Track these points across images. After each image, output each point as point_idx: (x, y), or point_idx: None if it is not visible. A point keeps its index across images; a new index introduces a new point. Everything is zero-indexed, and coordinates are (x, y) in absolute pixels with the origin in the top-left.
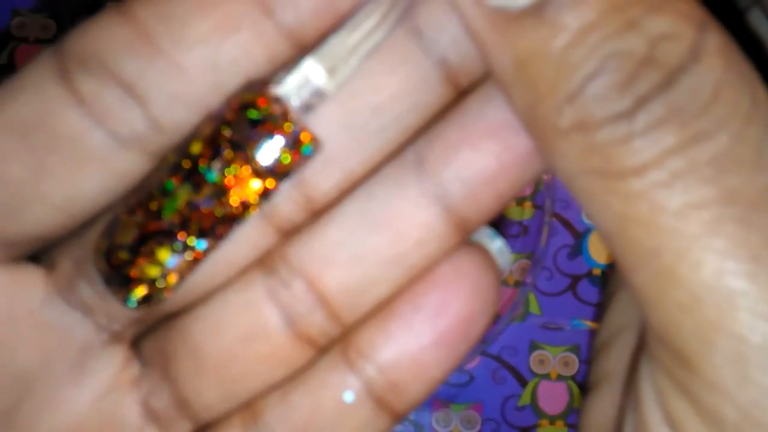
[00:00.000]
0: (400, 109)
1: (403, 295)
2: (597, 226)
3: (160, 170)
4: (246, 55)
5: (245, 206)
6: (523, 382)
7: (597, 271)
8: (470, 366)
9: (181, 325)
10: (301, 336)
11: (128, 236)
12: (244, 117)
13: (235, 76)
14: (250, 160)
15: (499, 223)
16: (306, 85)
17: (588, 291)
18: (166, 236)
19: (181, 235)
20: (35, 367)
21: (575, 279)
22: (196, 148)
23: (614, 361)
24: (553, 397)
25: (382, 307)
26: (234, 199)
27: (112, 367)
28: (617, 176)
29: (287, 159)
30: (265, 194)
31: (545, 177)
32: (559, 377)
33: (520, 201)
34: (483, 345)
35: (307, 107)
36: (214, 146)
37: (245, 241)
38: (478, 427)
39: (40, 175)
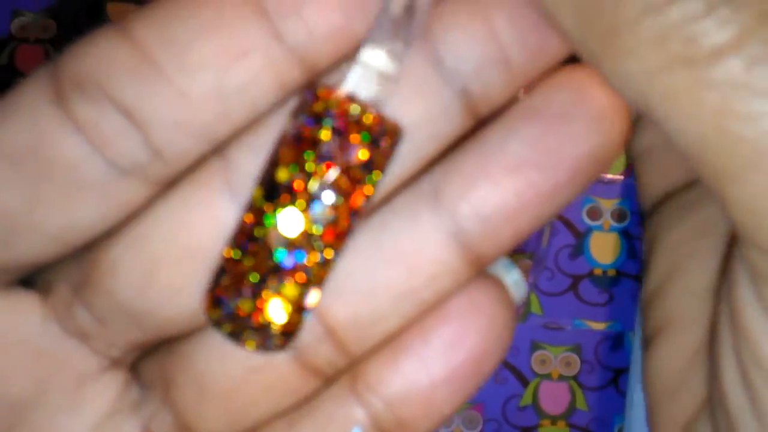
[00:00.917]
0: (418, 138)
1: (414, 329)
2: (685, 139)
3: (251, 211)
4: (254, 82)
5: (355, 216)
6: (525, 383)
7: (598, 271)
8: None
9: (184, 350)
10: (307, 366)
11: (245, 284)
12: (323, 126)
13: (242, 103)
14: (345, 169)
15: None
16: (370, 73)
17: (589, 291)
18: (283, 272)
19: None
20: (30, 396)
21: (576, 279)
22: (282, 174)
23: (675, 305)
24: (554, 397)
25: (392, 340)
26: (344, 214)
27: (111, 393)
28: (708, 59)
29: (377, 155)
30: (369, 198)
31: None
32: (561, 377)
33: None
34: None
35: (379, 98)
36: (303, 167)
37: None
38: (480, 427)
39: (34, 205)
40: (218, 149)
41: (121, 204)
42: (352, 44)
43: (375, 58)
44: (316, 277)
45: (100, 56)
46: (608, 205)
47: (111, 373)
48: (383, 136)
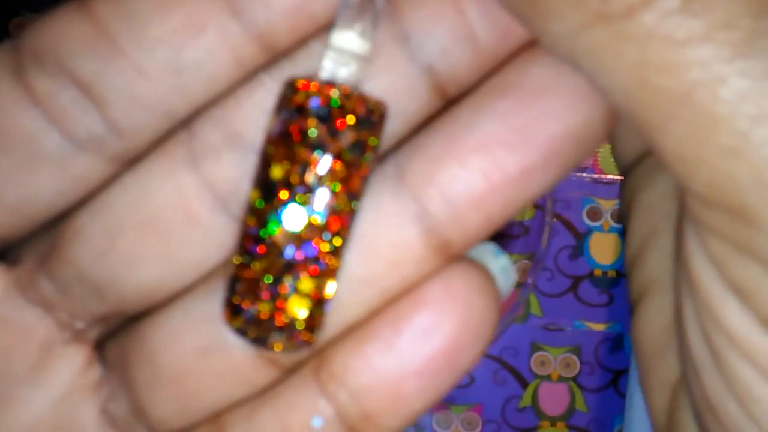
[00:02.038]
0: None
1: (384, 316)
2: (611, 94)
3: (252, 214)
4: (210, 57)
5: (355, 199)
6: (524, 384)
7: (598, 272)
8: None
9: (141, 329)
10: (262, 355)
11: (261, 288)
12: (313, 116)
13: (199, 78)
14: (338, 154)
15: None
16: (344, 55)
17: (589, 292)
18: (296, 267)
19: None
20: None
21: (576, 280)
22: (277, 172)
23: (654, 267)
24: (554, 399)
25: (358, 328)
26: (344, 200)
27: (73, 367)
28: (623, 15)
29: (366, 134)
30: (366, 179)
31: None
32: (560, 378)
33: None
34: None
35: (356, 79)
36: (296, 161)
37: (215, 241)
38: (479, 428)
39: None
40: (185, 125)
41: (79, 179)
42: (311, 22)
43: (346, 39)
44: (330, 266)
45: (60, 31)
46: (608, 205)
47: (74, 347)
48: (369, 116)
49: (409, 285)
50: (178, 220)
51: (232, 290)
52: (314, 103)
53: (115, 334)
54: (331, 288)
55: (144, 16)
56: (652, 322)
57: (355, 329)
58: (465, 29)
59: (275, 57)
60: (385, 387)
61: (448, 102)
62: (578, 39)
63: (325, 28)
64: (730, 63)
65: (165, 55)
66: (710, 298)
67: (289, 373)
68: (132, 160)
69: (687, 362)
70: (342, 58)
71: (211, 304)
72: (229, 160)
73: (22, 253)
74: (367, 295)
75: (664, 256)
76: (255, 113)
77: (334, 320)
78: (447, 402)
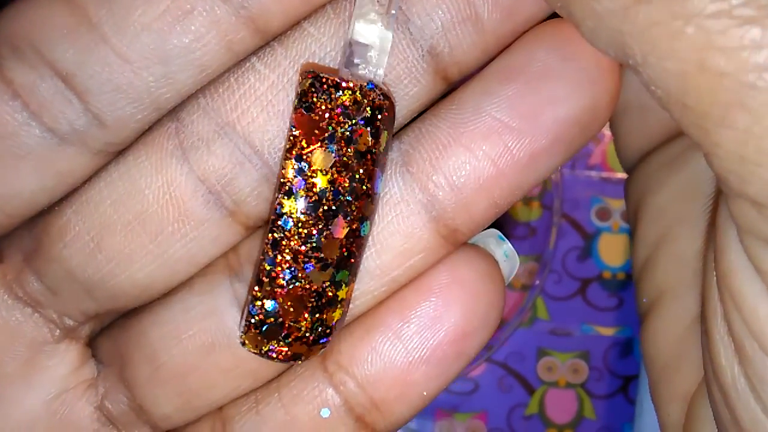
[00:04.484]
0: None
1: (390, 305)
2: (662, 82)
3: (299, 228)
4: (199, 42)
5: (369, 190)
6: (531, 390)
7: (607, 275)
8: (475, 373)
9: (138, 326)
10: None
11: (300, 305)
12: (364, 122)
13: (187, 65)
14: (379, 159)
15: (504, 224)
16: (364, 48)
17: (598, 295)
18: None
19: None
20: None
21: (585, 282)
22: (323, 181)
23: (667, 275)
24: (561, 406)
25: (365, 317)
26: (360, 188)
27: (66, 365)
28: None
29: (378, 126)
30: (381, 165)
31: (553, 176)
32: (568, 385)
33: (527, 201)
34: (488, 351)
35: (377, 69)
36: (346, 168)
37: (209, 236)
38: None
39: None
40: (173, 115)
41: (63, 173)
42: (304, 3)
43: (367, 32)
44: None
45: (38, 18)
46: (618, 205)
47: (66, 345)
48: (382, 108)
49: (416, 273)
50: (169, 216)
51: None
52: (359, 107)
53: (110, 330)
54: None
55: (126, 0)
56: (666, 331)
57: (362, 319)
58: (468, 9)
59: (267, 41)
60: (393, 376)
61: (451, 86)
62: (631, 15)
63: (320, 9)
64: None
65: (150, 42)
66: (756, 319)
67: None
68: (118, 153)
69: (711, 384)
70: (362, 50)
71: (213, 298)
72: (221, 152)
73: (5, 250)
74: (375, 286)
75: (678, 263)
76: (247, 102)
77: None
78: (450, 409)
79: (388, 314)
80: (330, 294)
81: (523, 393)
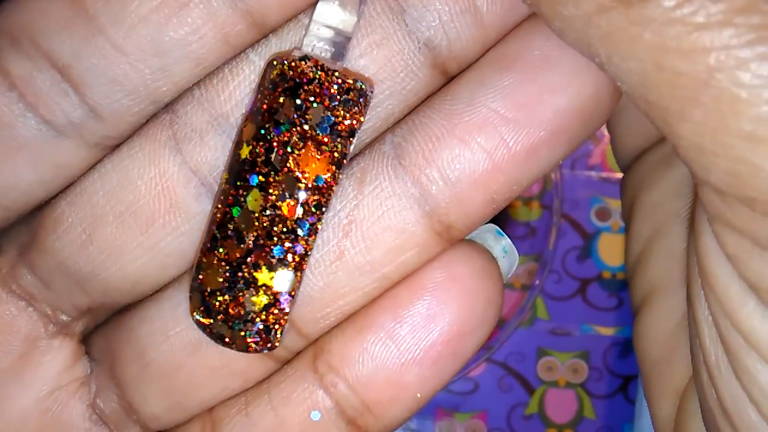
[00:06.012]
0: (378, 94)
1: (383, 303)
2: (626, 80)
3: (220, 195)
4: (195, 35)
5: (326, 185)
6: (530, 390)
7: (607, 274)
8: (475, 373)
9: (129, 323)
10: None
11: (219, 276)
12: (283, 93)
13: (183, 58)
14: (309, 135)
15: (504, 224)
16: (327, 30)
17: (598, 295)
18: (258, 256)
19: (271, 246)
20: None
21: (584, 282)
22: (245, 151)
23: (659, 270)
24: (561, 406)
25: (357, 317)
26: (309, 180)
27: (59, 362)
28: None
29: (346, 116)
30: (339, 162)
31: (553, 176)
32: (568, 385)
33: (527, 201)
34: (488, 351)
35: (339, 53)
36: (263, 139)
37: (199, 231)
38: None
39: None
40: (168, 107)
41: (59, 166)
42: None
43: (329, 13)
44: (294, 257)
45: (35, 10)
46: (617, 205)
47: (60, 341)
48: (346, 93)
49: (409, 271)
50: (161, 208)
51: (198, 281)
52: (284, 78)
53: (103, 327)
54: (285, 279)
55: None
56: (658, 326)
57: (353, 318)
58: (466, 1)
59: (265, 34)
60: (386, 377)
61: (450, 80)
62: (594, 23)
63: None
64: (751, 47)
65: (146, 34)
66: (727, 298)
67: (285, 364)
68: (114, 147)
69: (699, 366)
70: (323, 32)
71: None
72: (213, 144)
73: (2, 245)
74: (365, 283)
75: (670, 258)
76: (241, 94)
77: (332, 309)
78: (450, 409)
79: (381, 313)
80: (248, 275)
81: (523, 393)
